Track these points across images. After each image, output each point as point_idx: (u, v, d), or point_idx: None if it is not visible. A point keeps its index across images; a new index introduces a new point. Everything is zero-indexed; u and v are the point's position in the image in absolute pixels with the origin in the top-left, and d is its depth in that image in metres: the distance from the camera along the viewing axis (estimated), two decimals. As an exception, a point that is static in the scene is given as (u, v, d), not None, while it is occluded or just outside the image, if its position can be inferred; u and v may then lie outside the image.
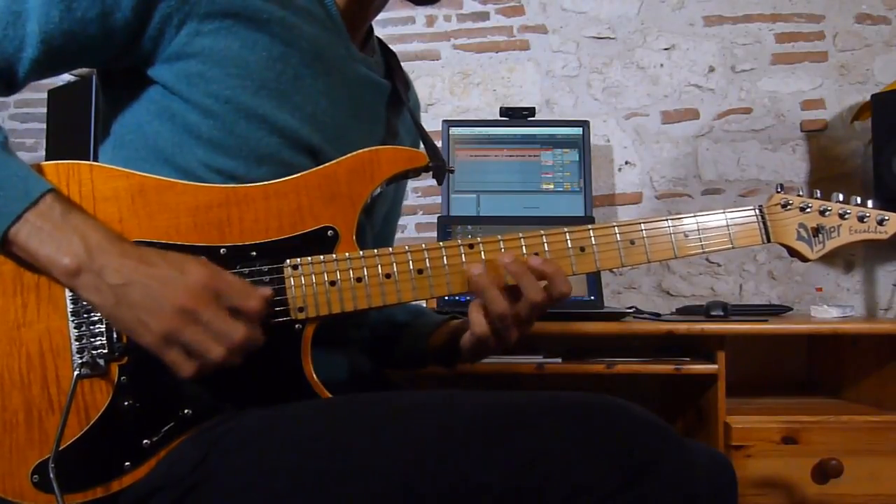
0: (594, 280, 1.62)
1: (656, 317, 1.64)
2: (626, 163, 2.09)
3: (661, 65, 2.09)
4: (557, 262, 0.84)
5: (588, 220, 1.77)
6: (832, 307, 1.68)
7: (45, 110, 1.90)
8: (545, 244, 0.85)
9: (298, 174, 0.81)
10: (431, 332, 1.00)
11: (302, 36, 0.85)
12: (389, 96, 0.99)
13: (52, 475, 0.70)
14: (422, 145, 1.01)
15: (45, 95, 1.91)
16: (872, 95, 1.79)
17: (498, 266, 0.82)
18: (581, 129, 1.86)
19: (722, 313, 1.55)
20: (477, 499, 0.65)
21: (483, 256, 0.83)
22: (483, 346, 0.85)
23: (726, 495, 0.84)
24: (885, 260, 2.00)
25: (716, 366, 1.47)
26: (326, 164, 0.82)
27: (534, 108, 1.88)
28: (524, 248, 0.85)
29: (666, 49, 2.10)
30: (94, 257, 0.70)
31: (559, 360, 1.48)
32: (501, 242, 0.84)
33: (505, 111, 1.88)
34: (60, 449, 0.73)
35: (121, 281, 0.70)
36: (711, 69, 2.08)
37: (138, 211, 0.77)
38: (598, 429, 0.66)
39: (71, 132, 1.78)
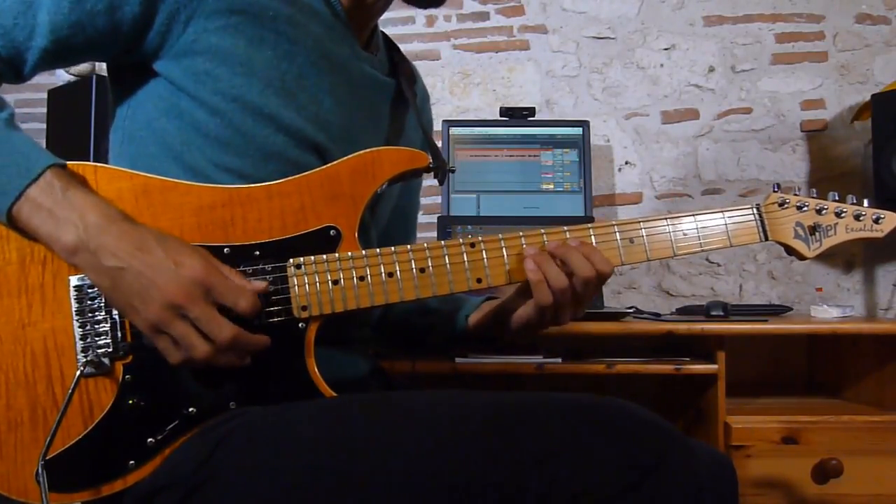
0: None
1: (656, 317, 1.64)
2: (626, 163, 2.09)
3: (661, 65, 2.10)
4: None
5: (588, 220, 1.77)
6: (832, 307, 1.68)
7: (45, 110, 1.90)
8: (546, 243, 0.86)
9: (301, 174, 0.81)
10: (470, 313, 1.02)
11: (308, 34, 0.85)
12: (394, 95, 0.99)
13: (40, 473, 0.70)
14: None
15: (45, 95, 1.90)
16: (872, 95, 1.79)
17: (546, 250, 0.85)
18: (581, 129, 1.86)
19: (722, 313, 1.55)
20: (482, 499, 0.65)
21: (484, 255, 0.84)
22: (541, 319, 0.88)
23: (728, 495, 0.84)
24: (885, 260, 2.00)
25: (716, 366, 1.47)
26: (329, 164, 0.82)
27: (534, 108, 1.88)
28: (524, 246, 0.85)
29: (666, 49, 2.10)
30: (91, 237, 0.71)
31: (559, 360, 1.48)
32: (503, 241, 0.85)
33: (505, 111, 1.88)
34: (65, 448, 0.73)
35: (116, 264, 0.71)
36: (711, 69, 2.09)
37: (143, 212, 0.77)
38: (603, 430, 0.67)
39: (71, 132, 1.78)
